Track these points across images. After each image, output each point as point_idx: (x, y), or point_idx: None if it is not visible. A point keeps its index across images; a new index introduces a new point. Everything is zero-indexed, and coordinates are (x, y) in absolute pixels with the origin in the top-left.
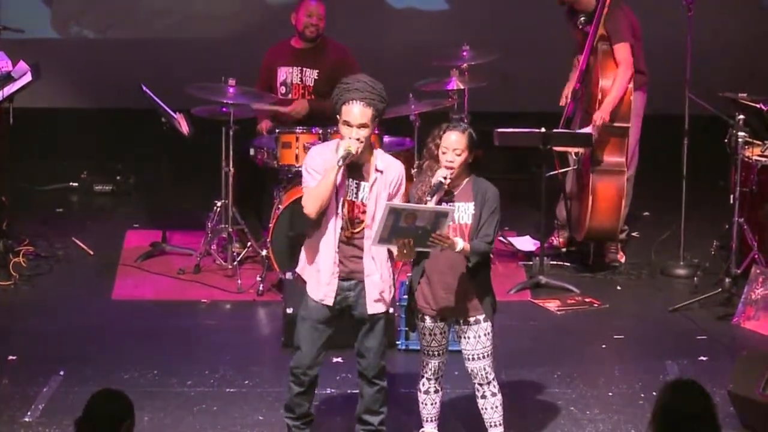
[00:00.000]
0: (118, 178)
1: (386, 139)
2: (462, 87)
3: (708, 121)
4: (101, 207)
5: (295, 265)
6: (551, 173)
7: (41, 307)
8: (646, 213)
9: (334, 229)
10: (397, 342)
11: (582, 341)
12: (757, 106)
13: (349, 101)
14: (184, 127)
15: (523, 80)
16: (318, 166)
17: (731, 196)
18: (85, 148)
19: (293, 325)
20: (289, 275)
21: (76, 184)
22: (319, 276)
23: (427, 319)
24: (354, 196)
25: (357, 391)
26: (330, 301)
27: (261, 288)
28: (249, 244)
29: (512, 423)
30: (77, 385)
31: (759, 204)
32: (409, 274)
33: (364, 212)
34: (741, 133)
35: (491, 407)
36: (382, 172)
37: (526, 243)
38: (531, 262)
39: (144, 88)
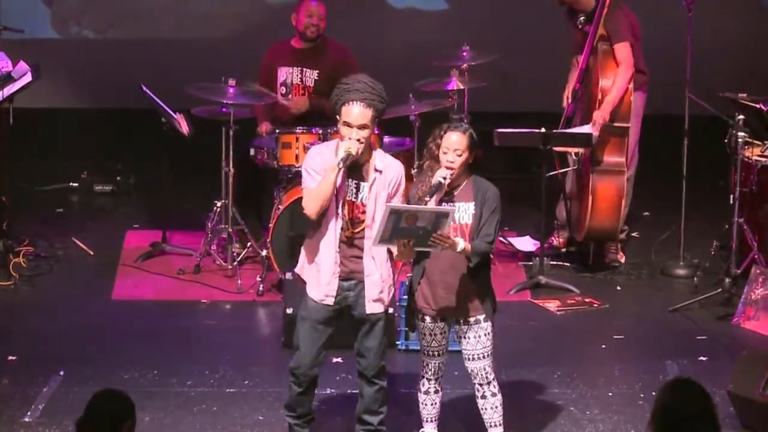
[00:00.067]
0: (118, 178)
1: (386, 139)
2: (462, 87)
3: (708, 121)
4: (101, 207)
5: (294, 265)
6: (551, 173)
7: (41, 307)
8: (646, 213)
9: (334, 229)
10: (397, 342)
11: (582, 341)
12: (757, 106)
13: (349, 102)
14: (184, 128)
15: (523, 80)
16: (318, 166)
17: (731, 196)
18: (85, 148)
19: (293, 326)
20: (289, 275)
21: (76, 184)
22: (320, 276)
23: (427, 319)
24: (354, 196)
25: (357, 391)
26: (330, 301)
27: (261, 288)
28: (249, 244)
29: (512, 423)
30: (77, 385)
31: (759, 204)
32: (409, 274)
33: (363, 212)
34: (741, 134)
35: (491, 407)
36: (381, 171)
37: (526, 243)
38: (531, 263)
39: (144, 88)
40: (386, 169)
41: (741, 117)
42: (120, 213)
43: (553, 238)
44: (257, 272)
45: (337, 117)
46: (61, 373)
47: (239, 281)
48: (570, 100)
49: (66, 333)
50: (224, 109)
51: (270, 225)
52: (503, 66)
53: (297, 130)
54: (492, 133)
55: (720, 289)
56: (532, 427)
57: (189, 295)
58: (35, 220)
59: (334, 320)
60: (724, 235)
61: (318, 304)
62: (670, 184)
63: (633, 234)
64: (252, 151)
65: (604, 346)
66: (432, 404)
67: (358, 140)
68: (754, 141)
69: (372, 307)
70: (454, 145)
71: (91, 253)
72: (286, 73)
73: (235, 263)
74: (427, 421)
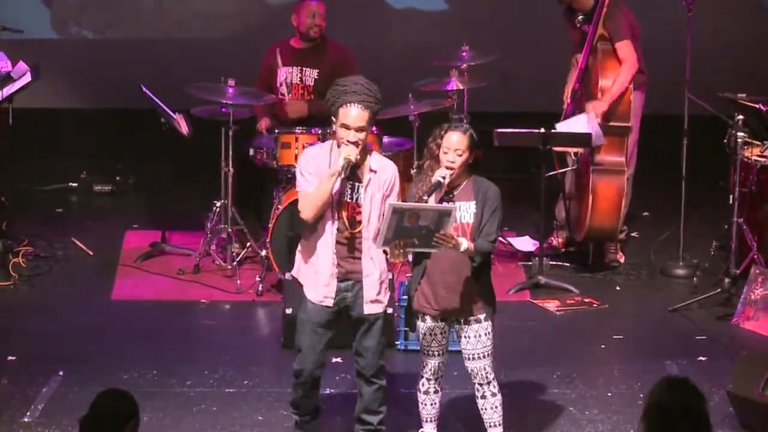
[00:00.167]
0: (117, 178)
1: (386, 139)
2: (461, 87)
3: (707, 121)
4: (101, 207)
5: (291, 267)
6: (550, 173)
7: (41, 307)
8: (646, 213)
9: (331, 230)
10: (397, 342)
11: (581, 341)
12: (757, 106)
13: (346, 104)
14: (184, 128)
15: (523, 80)
16: (312, 168)
17: (730, 197)
18: (84, 148)
19: (293, 326)
20: (288, 276)
21: (75, 184)
22: (318, 277)
23: (428, 319)
24: (349, 197)
25: (356, 391)
26: (330, 302)
27: (260, 288)
28: (248, 244)
29: (512, 423)
30: (77, 386)
31: (758, 204)
32: (409, 274)
33: (359, 213)
34: (740, 134)
35: (491, 407)
36: (376, 172)
37: (525, 243)
38: (530, 263)
39: (143, 88)
40: (381, 170)
41: (740, 117)
42: (119, 213)
43: (552, 239)
44: (257, 272)
45: (333, 119)
46: (61, 373)
47: (239, 281)
48: (569, 100)
49: (65, 333)
50: (224, 110)
51: (269, 225)
52: (503, 66)
53: (296, 131)
54: (491, 133)
55: (719, 289)
56: (531, 427)
57: (188, 296)
58: (35, 220)
59: (334, 322)
60: (724, 235)
61: (317, 306)
62: (670, 185)
63: (632, 234)
64: (251, 152)
65: (603, 346)
66: (432, 404)
67: (356, 143)
68: (754, 141)
69: (370, 308)
70: (454, 145)
71: (91, 253)
72: (285, 73)
73: (235, 263)
74: (426, 421)
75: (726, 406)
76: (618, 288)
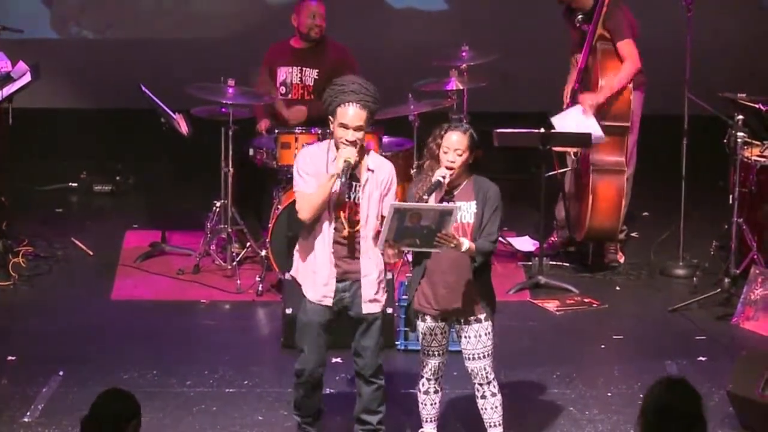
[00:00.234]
0: (117, 178)
1: (385, 139)
2: (461, 87)
3: (707, 121)
4: (101, 207)
5: (291, 267)
6: (550, 173)
7: (41, 307)
8: (646, 213)
9: (328, 230)
10: (397, 342)
11: (581, 341)
12: (756, 106)
13: (344, 103)
14: (184, 128)
15: (523, 80)
16: (309, 168)
17: (730, 197)
18: (84, 148)
19: (293, 326)
20: (287, 276)
21: (75, 184)
22: (316, 277)
23: (428, 319)
24: (347, 196)
25: (356, 391)
26: (329, 302)
27: (260, 288)
28: (248, 244)
29: (512, 423)
30: (77, 386)
31: (758, 204)
32: (409, 274)
33: (357, 212)
34: (740, 134)
35: (491, 407)
36: (373, 171)
37: (525, 243)
38: (530, 263)
39: (143, 88)
40: (378, 169)
41: (740, 117)
42: (119, 213)
43: (552, 238)
44: (256, 272)
45: (330, 118)
46: (61, 373)
47: (238, 281)
48: (569, 100)
49: (65, 333)
50: (224, 110)
51: (269, 225)
52: (503, 66)
53: (296, 131)
54: (491, 133)
55: (719, 289)
56: (531, 427)
57: (188, 296)
58: (35, 220)
59: (334, 321)
60: (724, 235)
61: (316, 305)
62: (670, 185)
63: (632, 234)
64: (251, 152)
65: (603, 346)
66: (432, 404)
67: (354, 142)
68: (754, 141)
69: (369, 307)
70: (454, 144)
71: (91, 253)
72: (285, 73)
73: (235, 263)
74: (426, 421)
75: (726, 406)
76: (618, 288)
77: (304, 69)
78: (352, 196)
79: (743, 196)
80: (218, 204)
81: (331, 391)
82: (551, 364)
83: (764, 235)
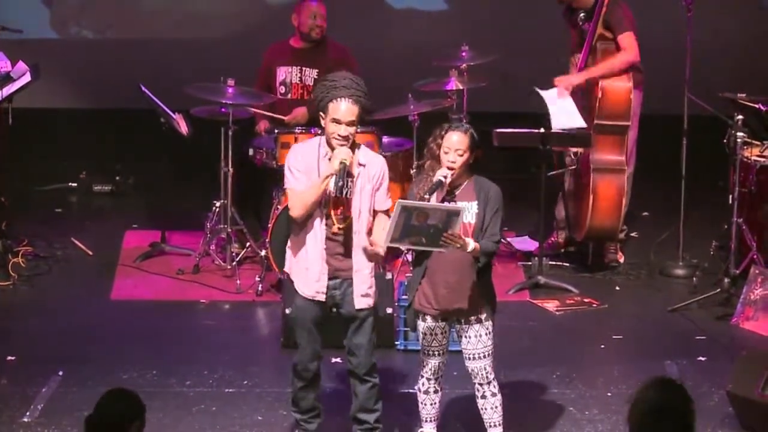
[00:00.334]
0: (117, 178)
1: (385, 139)
2: (461, 87)
3: (707, 121)
4: (100, 207)
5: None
6: (550, 173)
7: (40, 307)
8: (646, 213)
9: (320, 226)
10: (397, 342)
11: (581, 341)
12: (756, 106)
13: (336, 99)
14: (183, 128)
15: (523, 80)
16: (301, 165)
17: (730, 197)
18: (84, 148)
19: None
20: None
21: (75, 184)
22: (308, 274)
23: (428, 319)
24: (340, 192)
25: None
26: (322, 297)
27: (260, 288)
28: (248, 244)
29: (511, 423)
30: (76, 386)
31: (758, 204)
32: (409, 274)
33: (349, 208)
34: (740, 134)
35: (491, 407)
36: (365, 166)
37: (525, 243)
38: (530, 263)
39: (143, 88)
40: (370, 164)
41: (740, 117)
42: (119, 213)
43: (552, 238)
44: (256, 272)
45: (321, 114)
46: (60, 373)
47: (238, 281)
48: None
49: (65, 333)
50: (223, 110)
51: (269, 225)
52: (502, 66)
53: (296, 131)
54: (491, 133)
55: (719, 289)
56: (531, 427)
57: (188, 296)
58: (34, 220)
59: (327, 318)
60: (723, 235)
61: (307, 302)
62: (669, 185)
63: (632, 234)
64: (251, 152)
65: (603, 346)
66: (431, 404)
67: (346, 137)
68: (753, 141)
69: (361, 302)
70: (455, 145)
71: (90, 253)
72: (285, 73)
73: (234, 263)
74: (426, 421)
75: (726, 406)
76: (618, 288)
77: (303, 69)
78: (344, 192)
79: (743, 196)
80: (218, 204)
81: (331, 391)
82: (551, 364)
83: (764, 235)
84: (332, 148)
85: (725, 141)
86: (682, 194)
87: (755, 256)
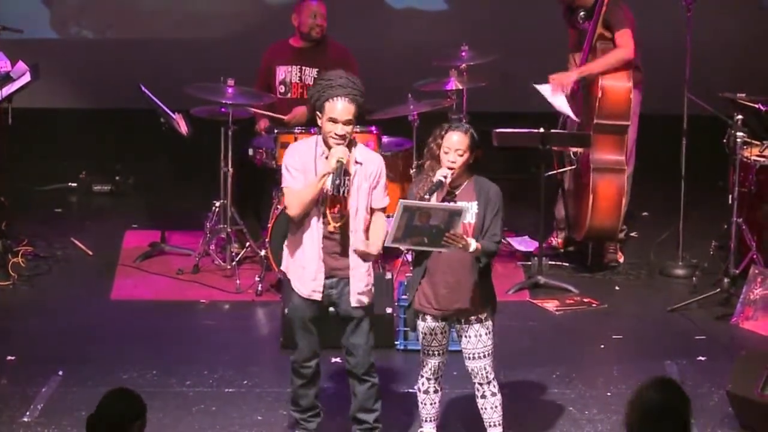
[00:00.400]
0: (117, 178)
1: (385, 139)
2: (461, 87)
3: (707, 121)
4: (100, 207)
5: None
6: (550, 173)
7: (40, 307)
8: (645, 213)
9: (317, 225)
10: (396, 342)
11: (581, 341)
12: (756, 106)
13: (333, 98)
14: (183, 128)
15: (523, 80)
16: (297, 164)
17: (730, 197)
18: (84, 148)
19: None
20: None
21: (75, 184)
22: (305, 272)
23: (428, 319)
24: (336, 190)
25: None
26: (318, 296)
27: (260, 288)
28: (248, 244)
29: (511, 423)
30: (76, 386)
31: (757, 204)
32: (409, 274)
33: (346, 206)
34: (739, 134)
35: (491, 407)
36: (361, 164)
37: (524, 243)
38: (530, 262)
39: (143, 88)
40: (367, 162)
41: (740, 117)
42: (119, 213)
43: (551, 238)
44: (256, 272)
45: (318, 114)
46: (60, 373)
47: (238, 281)
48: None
49: (65, 333)
50: (223, 110)
51: (268, 225)
52: (502, 66)
53: (295, 131)
54: (491, 133)
55: (719, 289)
56: (531, 427)
57: (188, 295)
58: (34, 220)
59: (322, 316)
60: (723, 235)
61: (303, 300)
62: (669, 185)
63: (632, 234)
64: (251, 151)
65: (602, 346)
66: (431, 404)
67: (343, 136)
68: (753, 141)
69: (358, 300)
70: (455, 145)
71: (90, 253)
72: (285, 72)
73: (234, 263)
74: (426, 421)
75: (725, 406)
76: (617, 288)
77: (303, 68)
78: (341, 190)
79: (743, 196)
80: (218, 204)
81: (331, 391)
82: (551, 364)
83: (764, 235)
84: (329, 147)
85: (725, 141)
86: (682, 194)
87: (755, 256)
